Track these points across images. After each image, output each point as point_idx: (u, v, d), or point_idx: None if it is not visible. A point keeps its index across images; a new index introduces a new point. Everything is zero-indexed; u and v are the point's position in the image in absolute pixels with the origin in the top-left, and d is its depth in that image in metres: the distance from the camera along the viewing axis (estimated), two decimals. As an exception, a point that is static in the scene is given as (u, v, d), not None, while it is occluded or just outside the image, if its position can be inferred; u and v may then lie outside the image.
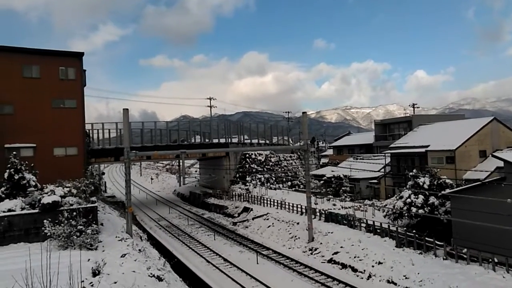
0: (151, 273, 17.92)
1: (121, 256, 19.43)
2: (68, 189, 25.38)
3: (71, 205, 23.70)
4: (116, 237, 24.03)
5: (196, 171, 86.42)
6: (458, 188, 26.42)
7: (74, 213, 21.73)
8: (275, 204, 42.27)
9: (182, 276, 23.18)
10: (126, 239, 23.99)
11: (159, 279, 17.81)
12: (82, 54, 35.94)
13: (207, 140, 60.90)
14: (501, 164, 24.06)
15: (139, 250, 22.32)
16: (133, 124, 53.73)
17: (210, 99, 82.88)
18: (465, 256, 21.60)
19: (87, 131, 44.42)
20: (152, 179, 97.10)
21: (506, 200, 17.97)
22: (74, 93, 35.42)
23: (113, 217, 32.71)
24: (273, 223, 36.91)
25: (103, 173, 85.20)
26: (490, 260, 20.23)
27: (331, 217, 33.24)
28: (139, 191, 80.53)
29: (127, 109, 26.61)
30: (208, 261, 28.73)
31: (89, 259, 17.48)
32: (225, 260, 28.76)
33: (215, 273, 26.18)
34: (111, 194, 67.46)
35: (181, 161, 54.09)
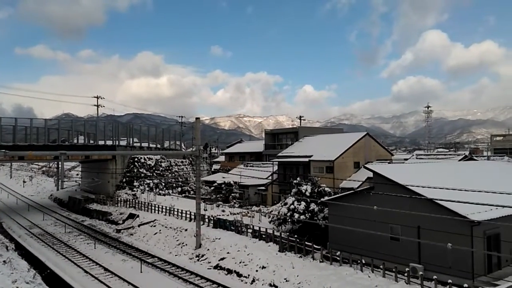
0: (17, 287, 16.04)
1: (-20, 270, 17.02)
2: None
3: None
4: (-25, 248, 20.99)
5: (77, 175, 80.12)
6: (335, 196, 28.91)
7: None
8: (164, 210, 41.27)
9: (55, 289, 21.19)
10: (-12, 250, 21.11)
11: (27, 293, 16.03)
12: None
13: (92, 142, 56.89)
14: (371, 174, 26.98)
15: (4, 261, 19.85)
16: (4, 120, 48.11)
17: (97, 97, 77.76)
18: (338, 259, 23.61)
19: None
20: (24, 182, 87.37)
21: (373, 207, 20.12)
22: None
23: (-28, 225, 28.54)
24: (160, 230, 35.94)
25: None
26: (359, 261, 22.44)
27: (219, 223, 33.59)
28: (7, 195, 71.78)
29: (-3, 103, 23.57)
30: (86, 271, 26.71)
31: None
32: (106, 269, 27.06)
33: (94, 283, 24.46)
34: (-29, 198, 59.13)
35: (60, 163, 49.67)
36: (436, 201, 20.21)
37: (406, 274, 20.11)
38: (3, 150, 24.57)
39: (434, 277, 18.94)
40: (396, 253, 22.74)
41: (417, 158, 45.92)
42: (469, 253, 19.94)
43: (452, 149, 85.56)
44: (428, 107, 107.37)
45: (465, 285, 17.88)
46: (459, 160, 38.78)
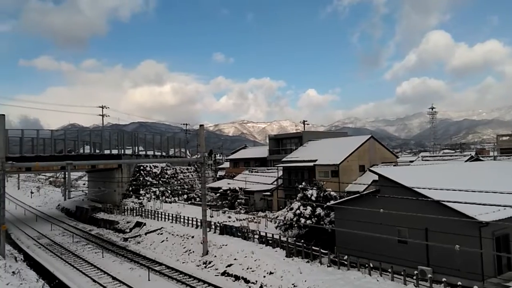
0: (26, 298, 16.11)
1: (-11, 281, 17.14)
2: None
3: None
4: (-16, 259, 21.15)
5: (84, 184, 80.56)
6: (340, 200, 28.81)
7: None
8: (170, 218, 41.34)
9: (63, 299, 21.26)
10: (-3, 261, 21.26)
11: (36, 304, 16.10)
12: None
13: (97, 151, 57.24)
14: (377, 177, 26.90)
15: (13, 272, 19.98)
16: (11, 132, 48.50)
17: (102, 107, 78.36)
18: (346, 263, 23.52)
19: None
20: (32, 193, 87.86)
21: (379, 210, 20.05)
22: None
23: (-19, 236, 28.68)
24: (167, 238, 35.99)
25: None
26: (367, 265, 22.34)
27: (225, 230, 33.60)
28: (15, 206, 72.14)
29: (3, 115, 23.93)
30: (94, 281, 26.77)
31: None
32: (113, 278, 27.11)
33: (102, 293, 24.51)
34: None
35: (67, 173, 50.02)
36: (443, 202, 20.08)
37: (414, 277, 19.99)
38: (10, 162, 24.86)
39: (443, 279, 18.81)
40: (404, 256, 22.59)
41: (422, 160, 45.76)
42: (478, 255, 19.78)
43: (458, 150, 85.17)
44: (432, 108, 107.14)
45: (475, 287, 17.76)
46: (466, 161, 38.60)
